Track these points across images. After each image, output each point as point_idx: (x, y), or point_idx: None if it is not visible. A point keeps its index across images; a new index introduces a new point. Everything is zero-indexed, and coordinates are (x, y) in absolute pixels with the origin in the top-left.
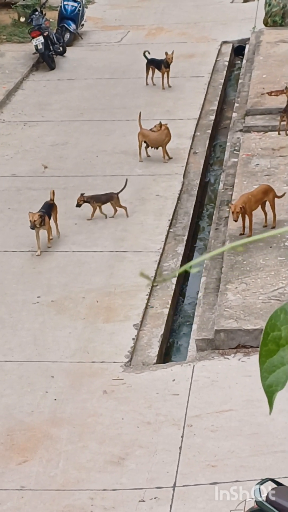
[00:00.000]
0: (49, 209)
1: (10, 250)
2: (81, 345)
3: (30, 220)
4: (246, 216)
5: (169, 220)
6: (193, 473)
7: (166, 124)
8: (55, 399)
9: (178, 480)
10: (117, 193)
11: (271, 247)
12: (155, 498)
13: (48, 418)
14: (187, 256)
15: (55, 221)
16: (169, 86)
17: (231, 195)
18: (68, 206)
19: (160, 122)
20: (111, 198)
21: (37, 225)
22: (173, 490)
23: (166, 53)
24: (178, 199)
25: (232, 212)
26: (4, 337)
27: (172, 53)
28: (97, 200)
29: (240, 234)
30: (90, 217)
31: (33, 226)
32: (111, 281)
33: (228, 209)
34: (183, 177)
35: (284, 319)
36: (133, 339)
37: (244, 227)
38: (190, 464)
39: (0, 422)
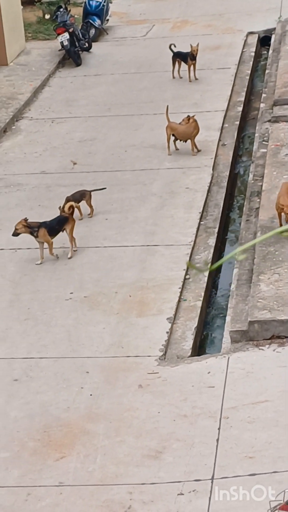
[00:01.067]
0: (58, 223)
1: (46, 248)
2: (115, 340)
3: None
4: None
5: (199, 212)
6: (231, 465)
7: (194, 116)
8: (90, 395)
9: (216, 472)
10: (90, 191)
11: None
12: (193, 491)
13: (84, 413)
14: (219, 248)
15: (70, 234)
16: (196, 79)
17: (261, 186)
18: (98, 202)
19: (188, 115)
20: (83, 195)
21: (19, 233)
22: (212, 482)
23: (191, 46)
24: (208, 191)
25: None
26: (38, 334)
27: (197, 45)
28: (73, 199)
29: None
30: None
31: (14, 234)
32: (143, 275)
33: (258, 200)
34: (213, 169)
35: None
36: (167, 332)
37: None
38: (227, 456)
39: (37, 418)
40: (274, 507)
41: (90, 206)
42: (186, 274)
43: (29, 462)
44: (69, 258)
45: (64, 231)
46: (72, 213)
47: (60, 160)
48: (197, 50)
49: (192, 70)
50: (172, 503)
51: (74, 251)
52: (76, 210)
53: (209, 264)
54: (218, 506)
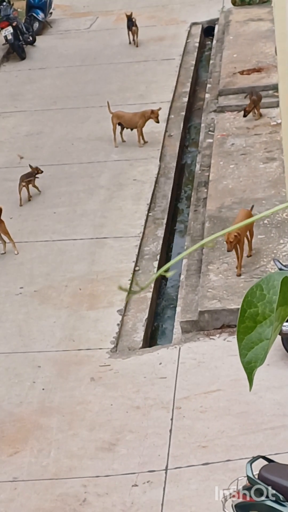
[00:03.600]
0: None
1: None
2: (66, 334)
3: None
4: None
5: (147, 204)
6: (185, 454)
7: (159, 109)
8: (43, 389)
9: (170, 463)
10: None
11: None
12: (148, 482)
13: (37, 408)
14: (168, 239)
15: (6, 235)
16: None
17: (208, 176)
18: (46, 196)
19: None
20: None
21: None
22: (166, 473)
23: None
24: (156, 182)
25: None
26: None
27: (131, 13)
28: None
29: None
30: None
31: None
32: (93, 268)
33: (206, 190)
34: (160, 161)
35: (260, 295)
36: (118, 324)
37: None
38: (181, 446)
39: None
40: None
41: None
42: (136, 265)
43: None
44: (16, 254)
45: None
46: None
47: (6, 154)
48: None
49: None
50: (127, 494)
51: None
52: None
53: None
54: (172, 496)
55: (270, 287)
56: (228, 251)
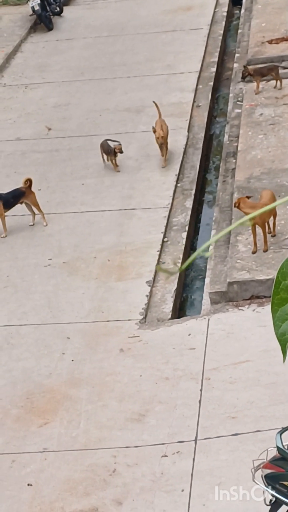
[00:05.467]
0: (14, 196)
1: (19, 214)
2: (95, 305)
3: None
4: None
5: (176, 175)
6: (214, 425)
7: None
8: (72, 360)
9: (199, 434)
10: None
11: (279, 196)
12: (177, 452)
13: (66, 379)
14: (196, 210)
15: (36, 206)
16: None
17: (237, 146)
18: (74, 167)
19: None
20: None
21: None
22: (195, 443)
23: None
24: (184, 153)
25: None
26: (18, 301)
27: None
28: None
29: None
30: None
31: None
32: (121, 240)
33: (234, 161)
34: (188, 131)
35: None
36: (147, 296)
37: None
38: (210, 417)
39: (19, 385)
40: (257, 466)
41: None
42: (164, 237)
43: (13, 429)
44: (45, 225)
45: (23, 203)
46: (29, 186)
47: (34, 126)
48: None
49: None
50: (156, 465)
51: (44, 225)
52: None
53: (179, 265)
54: (201, 466)
55: None
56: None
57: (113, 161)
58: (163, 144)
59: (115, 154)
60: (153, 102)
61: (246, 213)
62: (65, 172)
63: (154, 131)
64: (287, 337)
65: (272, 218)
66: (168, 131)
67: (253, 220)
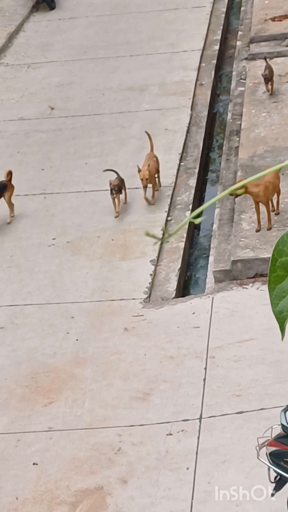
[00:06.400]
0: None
1: (22, 194)
2: (99, 284)
3: None
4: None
5: (179, 153)
6: (219, 403)
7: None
8: (76, 340)
9: (204, 412)
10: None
11: (282, 174)
12: (182, 431)
13: (71, 358)
14: (200, 188)
15: (8, 201)
16: None
17: (240, 124)
18: (77, 147)
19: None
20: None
21: None
22: (200, 421)
23: None
24: (187, 132)
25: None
26: (22, 281)
27: None
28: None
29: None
30: None
31: None
32: (125, 219)
33: (238, 139)
34: (191, 110)
35: None
36: (151, 275)
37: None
38: (215, 395)
39: (24, 365)
40: (262, 444)
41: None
42: (168, 215)
43: (18, 408)
44: (8, 223)
45: (2, 197)
46: (10, 179)
47: (37, 105)
48: None
49: None
50: (161, 443)
51: (11, 217)
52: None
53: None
54: (206, 444)
55: None
56: (236, 196)
57: (114, 200)
58: (146, 187)
59: (111, 192)
60: (146, 132)
61: (252, 192)
62: (68, 152)
63: (139, 171)
64: (285, 315)
65: (276, 196)
66: (157, 168)
67: (257, 198)
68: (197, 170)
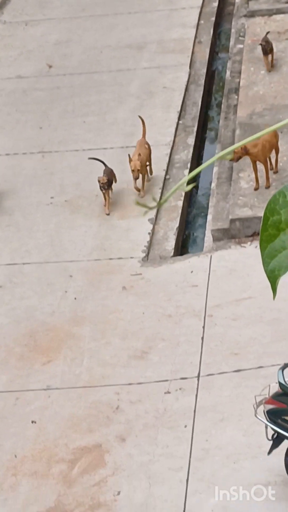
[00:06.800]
0: None
1: (21, 153)
2: (97, 243)
3: None
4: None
5: (177, 112)
6: (217, 362)
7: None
8: (75, 298)
9: (202, 370)
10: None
11: (281, 132)
12: (180, 389)
13: (69, 317)
14: (198, 147)
15: None
16: None
17: (239, 82)
18: (75, 105)
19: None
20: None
21: None
22: (198, 380)
23: None
24: (186, 90)
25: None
26: (21, 240)
27: None
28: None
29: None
30: None
31: None
32: (123, 177)
33: (236, 97)
34: (189, 67)
35: (283, 202)
36: (149, 233)
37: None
38: (213, 353)
39: (23, 324)
40: (259, 402)
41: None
42: (166, 174)
43: (17, 367)
44: None
45: None
46: None
47: (35, 63)
48: None
49: None
50: (159, 401)
51: None
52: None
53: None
54: (204, 402)
55: None
56: (231, 160)
57: (105, 196)
58: (137, 178)
59: (101, 188)
60: (139, 117)
61: (251, 154)
62: (67, 110)
63: (130, 160)
64: (277, 274)
65: (274, 154)
66: (148, 155)
67: (256, 157)
68: (195, 129)
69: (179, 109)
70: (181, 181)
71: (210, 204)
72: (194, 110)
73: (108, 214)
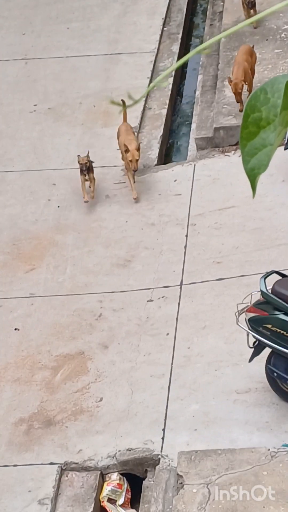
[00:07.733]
0: None
1: (3, 59)
2: (80, 151)
3: None
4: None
5: (162, 18)
6: (199, 270)
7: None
8: (58, 207)
9: (185, 278)
10: None
11: (267, 39)
12: (162, 297)
13: (52, 225)
14: (183, 54)
15: None
16: None
17: None
18: (59, 11)
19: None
20: None
21: None
22: (180, 288)
23: None
24: None
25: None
26: (3, 147)
27: None
28: None
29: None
30: None
31: None
32: (107, 85)
33: (222, 4)
34: None
35: (264, 99)
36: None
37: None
38: (195, 262)
39: (5, 232)
40: (241, 310)
41: None
42: (150, 82)
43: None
44: None
45: None
46: None
47: None
48: None
49: None
50: (142, 309)
51: None
52: None
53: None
54: (186, 310)
55: (275, 90)
56: (237, 102)
57: (84, 183)
58: (135, 170)
59: (82, 172)
60: (122, 100)
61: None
62: (50, 16)
63: (126, 150)
64: (256, 172)
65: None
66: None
67: (240, 80)
68: (180, 36)
69: (164, 15)
70: (158, 78)
71: (194, 112)
72: (179, 17)
73: (87, 201)
